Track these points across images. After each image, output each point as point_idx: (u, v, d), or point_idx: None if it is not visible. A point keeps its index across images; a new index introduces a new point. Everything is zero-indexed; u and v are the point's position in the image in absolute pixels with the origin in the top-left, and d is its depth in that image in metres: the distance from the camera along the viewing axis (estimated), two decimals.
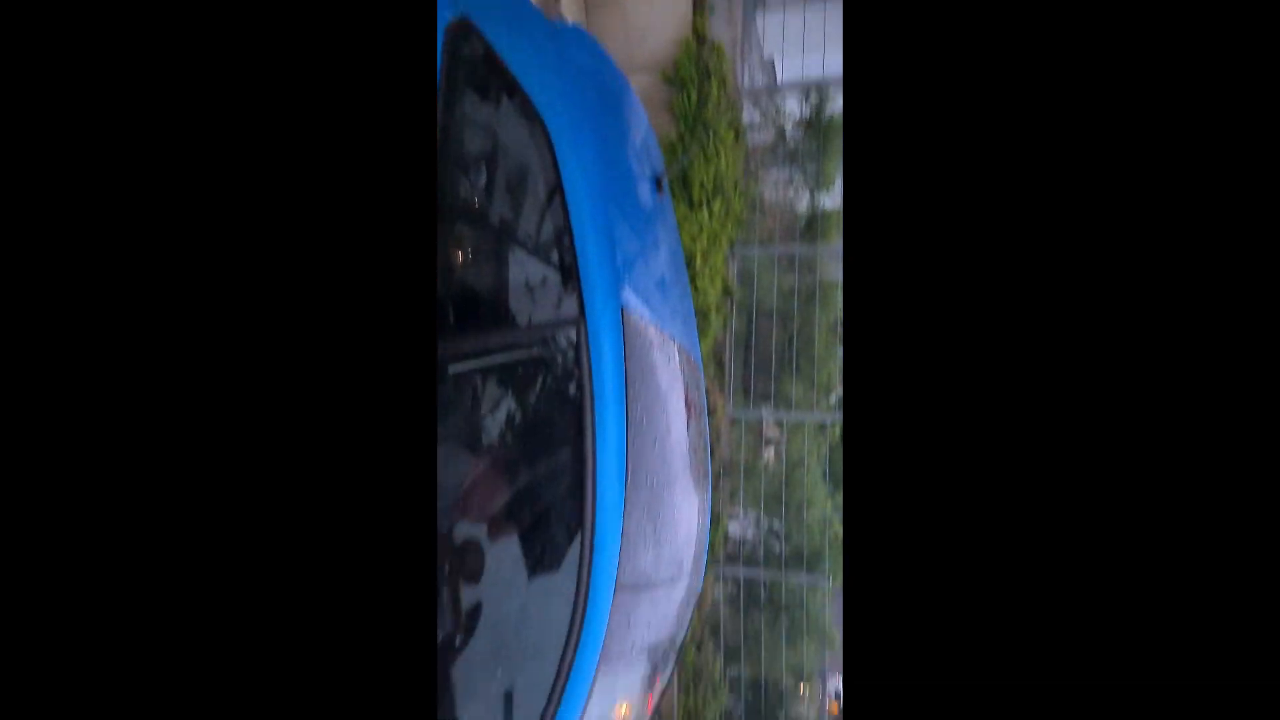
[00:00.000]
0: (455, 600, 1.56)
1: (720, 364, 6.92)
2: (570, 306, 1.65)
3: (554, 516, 1.65)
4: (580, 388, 1.60)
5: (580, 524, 1.56)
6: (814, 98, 6.30)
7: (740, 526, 7.31)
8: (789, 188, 6.77)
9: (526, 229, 1.84)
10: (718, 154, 5.87)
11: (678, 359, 2.13)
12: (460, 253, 1.66)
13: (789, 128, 6.54)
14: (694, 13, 5.93)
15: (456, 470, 1.63)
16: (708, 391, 2.88)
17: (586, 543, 1.53)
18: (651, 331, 1.92)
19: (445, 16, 1.52)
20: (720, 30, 6.12)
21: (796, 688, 7.44)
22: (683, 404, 2.09)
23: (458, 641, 1.55)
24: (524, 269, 1.80)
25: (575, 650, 1.47)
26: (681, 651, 2.55)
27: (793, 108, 6.49)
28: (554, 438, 1.68)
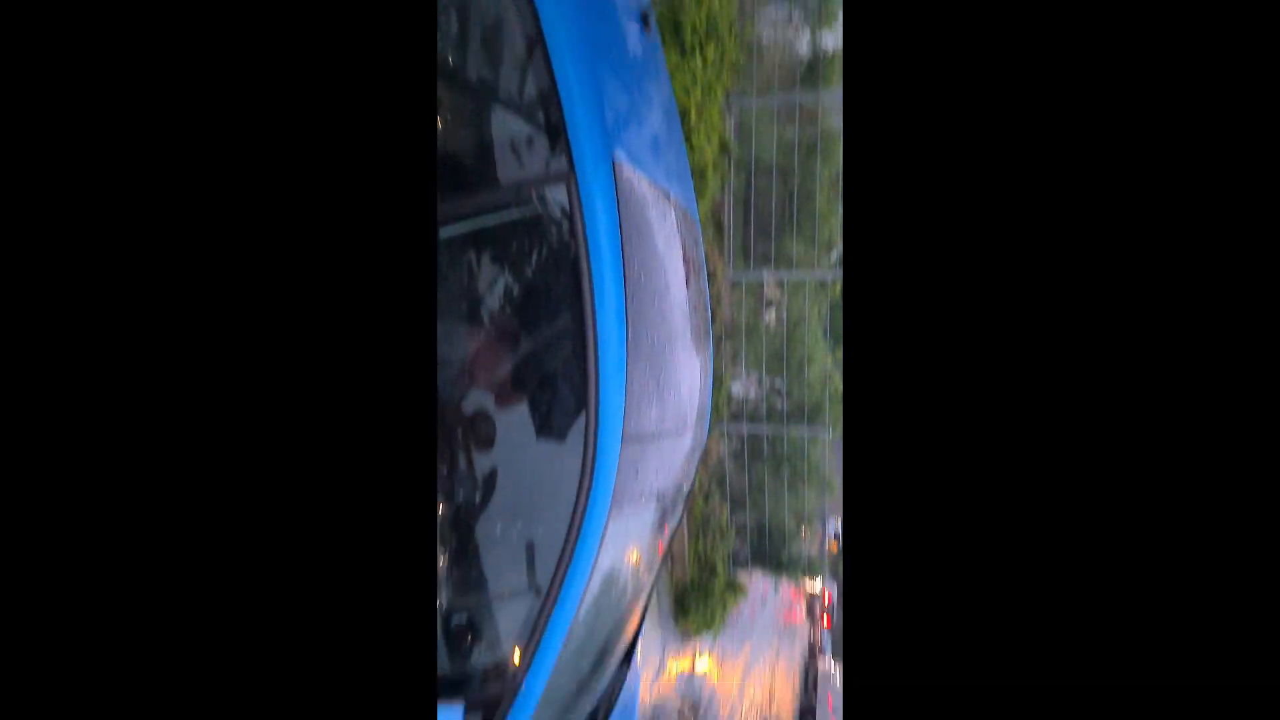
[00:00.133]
0: (471, 466, 1.63)
1: (719, 226, 6.77)
2: (559, 163, 1.58)
3: (558, 377, 1.68)
4: (575, 248, 1.56)
5: (584, 383, 1.59)
6: None
7: (743, 387, 7.52)
8: (788, 27, 6.25)
9: (507, 84, 1.72)
10: None
11: (674, 215, 2.06)
12: (438, 116, 1.56)
13: None
14: None
15: (457, 341, 1.64)
16: (707, 256, 2.84)
17: (591, 400, 1.57)
18: (645, 186, 1.85)
19: None
20: None
21: (798, 529, 8.02)
22: (681, 262, 2.06)
23: (478, 502, 1.64)
24: (507, 126, 1.70)
25: (586, 501, 1.55)
26: (689, 501, 2.70)
27: None
28: (552, 299, 1.67)
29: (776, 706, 13.07)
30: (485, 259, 1.69)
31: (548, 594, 1.50)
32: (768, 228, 6.75)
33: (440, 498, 1.56)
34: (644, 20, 2.07)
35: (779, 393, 7.10)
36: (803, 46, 6.28)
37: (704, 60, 5.44)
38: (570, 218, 1.58)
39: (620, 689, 2.16)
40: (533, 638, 1.49)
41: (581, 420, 1.59)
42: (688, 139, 5.38)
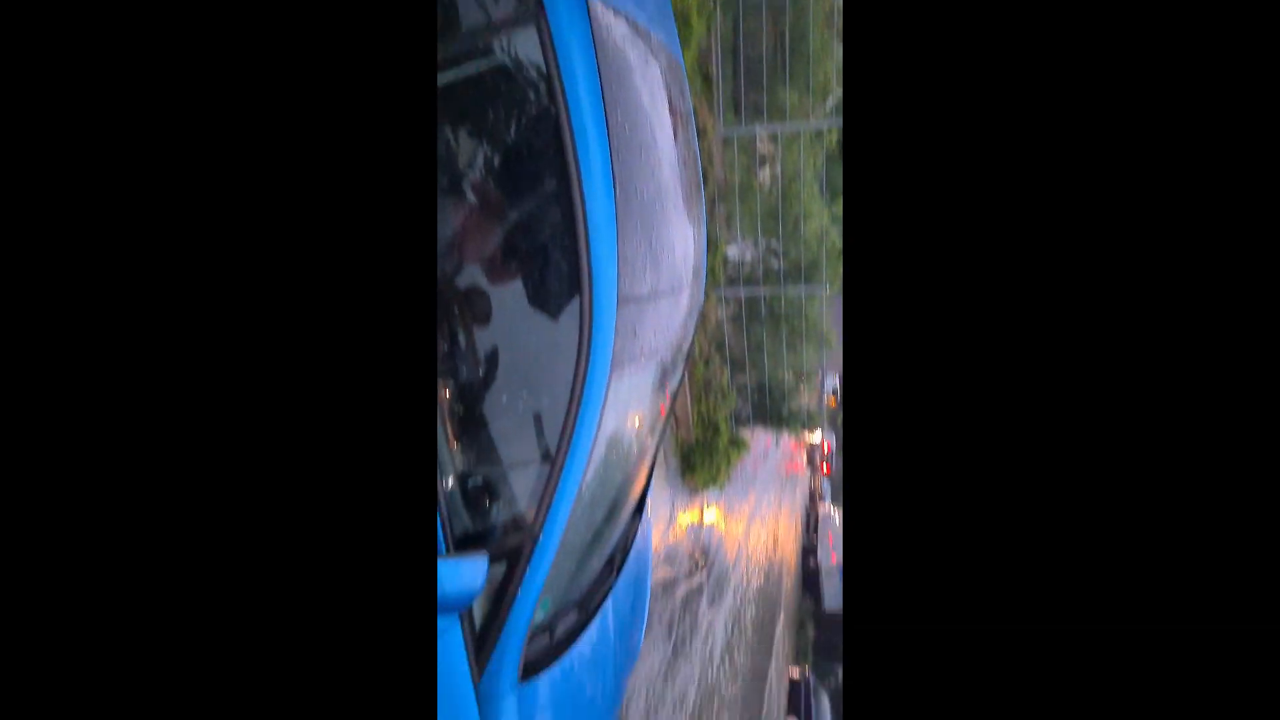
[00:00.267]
0: (471, 342, 1.63)
1: (707, 78, 6.34)
2: (526, 2, 1.43)
3: (549, 245, 1.63)
4: (552, 99, 1.46)
5: (575, 248, 1.55)
6: None
7: (739, 250, 7.41)
8: None
9: None
10: None
11: (658, 60, 1.91)
12: None
13: None
14: None
15: (441, 216, 1.57)
16: (696, 112, 2.66)
17: (584, 264, 1.54)
18: (625, 27, 1.69)
19: None
20: None
21: (797, 386, 8.25)
22: (668, 113, 1.94)
23: (481, 377, 1.66)
24: None
25: (587, 364, 1.56)
26: (689, 362, 2.74)
27: None
28: (533, 162, 1.59)
29: (781, 548, 14.14)
30: (458, 122, 1.59)
31: (557, 452, 1.56)
32: (758, 76, 6.33)
33: (443, 376, 1.57)
34: None
35: (775, 253, 7.02)
36: None
37: None
38: (544, 65, 1.46)
39: (634, 537, 2.31)
40: (545, 497, 1.56)
41: (576, 286, 1.57)
42: None
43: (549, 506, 1.56)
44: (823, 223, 6.69)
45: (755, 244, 7.00)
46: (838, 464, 22.52)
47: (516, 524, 1.55)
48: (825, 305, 7.14)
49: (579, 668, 1.83)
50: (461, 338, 1.63)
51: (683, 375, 2.42)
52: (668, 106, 1.96)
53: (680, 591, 6.45)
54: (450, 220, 1.61)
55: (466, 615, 1.48)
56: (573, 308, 1.58)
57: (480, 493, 1.55)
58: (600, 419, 1.61)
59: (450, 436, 1.56)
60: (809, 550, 18.58)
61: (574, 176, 1.53)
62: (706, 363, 7.10)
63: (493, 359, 1.66)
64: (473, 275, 1.65)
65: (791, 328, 7.08)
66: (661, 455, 6.51)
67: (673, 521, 6.91)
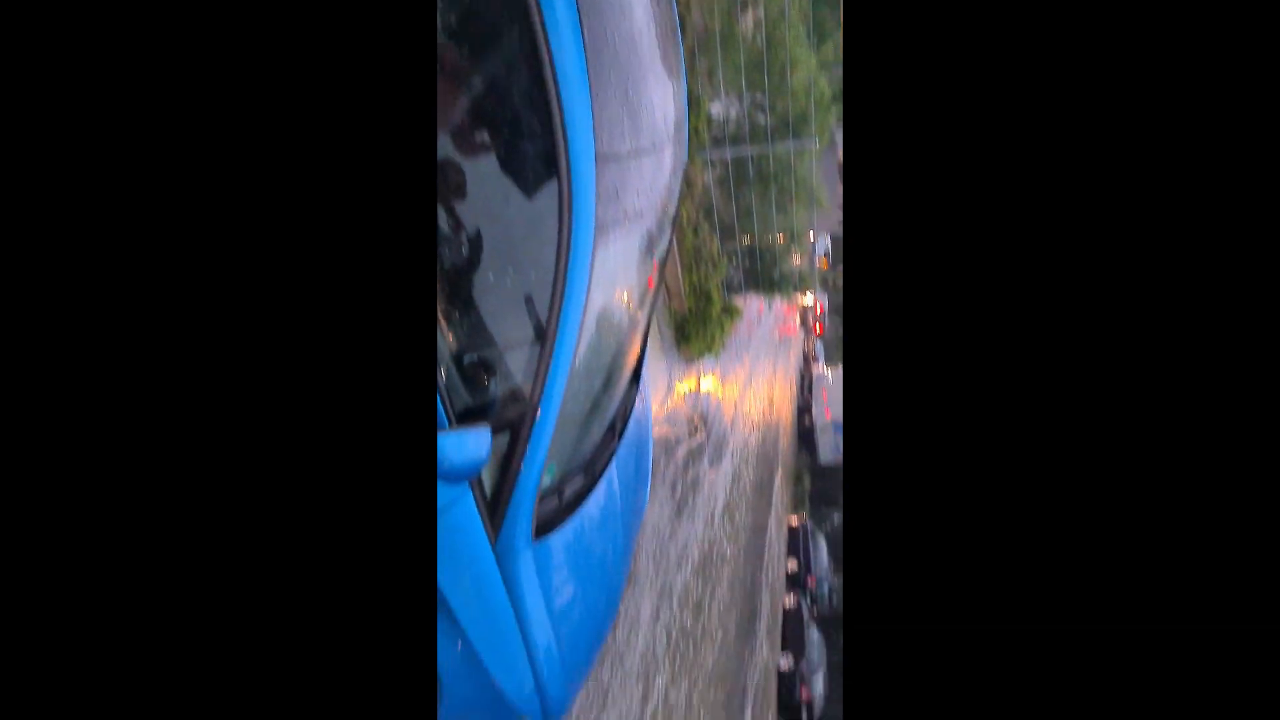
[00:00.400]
0: (455, 222, 1.57)
1: None
2: None
3: (519, 107, 1.53)
4: None
5: (547, 107, 1.46)
6: None
7: (722, 107, 7.02)
8: None
9: None
10: None
11: None
12: None
13: None
14: None
15: None
16: None
17: (558, 124, 1.45)
18: None
19: None
20: None
21: (788, 249, 8.16)
22: None
23: (466, 257, 1.62)
24: None
25: (570, 228, 1.52)
26: (676, 227, 2.67)
27: None
28: (492, 10, 1.45)
29: (777, 409, 14.67)
30: None
31: (548, 322, 1.56)
32: None
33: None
34: None
35: (761, 108, 6.66)
36: None
37: None
38: None
39: (633, 404, 2.37)
40: (540, 369, 1.57)
41: (551, 146, 1.49)
42: None
43: (545, 377, 1.58)
44: (810, 71, 6.29)
45: (740, 99, 6.62)
46: (830, 324, 22.83)
47: (514, 396, 1.58)
48: (815, 161, 6.88)
49: (589, 526, 1.95)
50: (444, 217, 1.57)
51: (670, 241, 2.37)
52: None
53: (680, 453, 6.76)
54: None
55: (477, 483, 1.54)
56: (550, 169, 1.51)
57: (476, 369, 1.57)
58: (588, 286, 1.59)
59: (441, 317, 1.55)
60: (804, 409, 19.29)
61: (539, 29, 1.40)
62: (695, 230, 6.96)
63: (477, 241, 1.61)
64: (443, 147, 1.56)
65: (781, 188, 6.88)
66: (655, 328, 6.57)
67: (670, 391, 7.10)
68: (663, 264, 2.32)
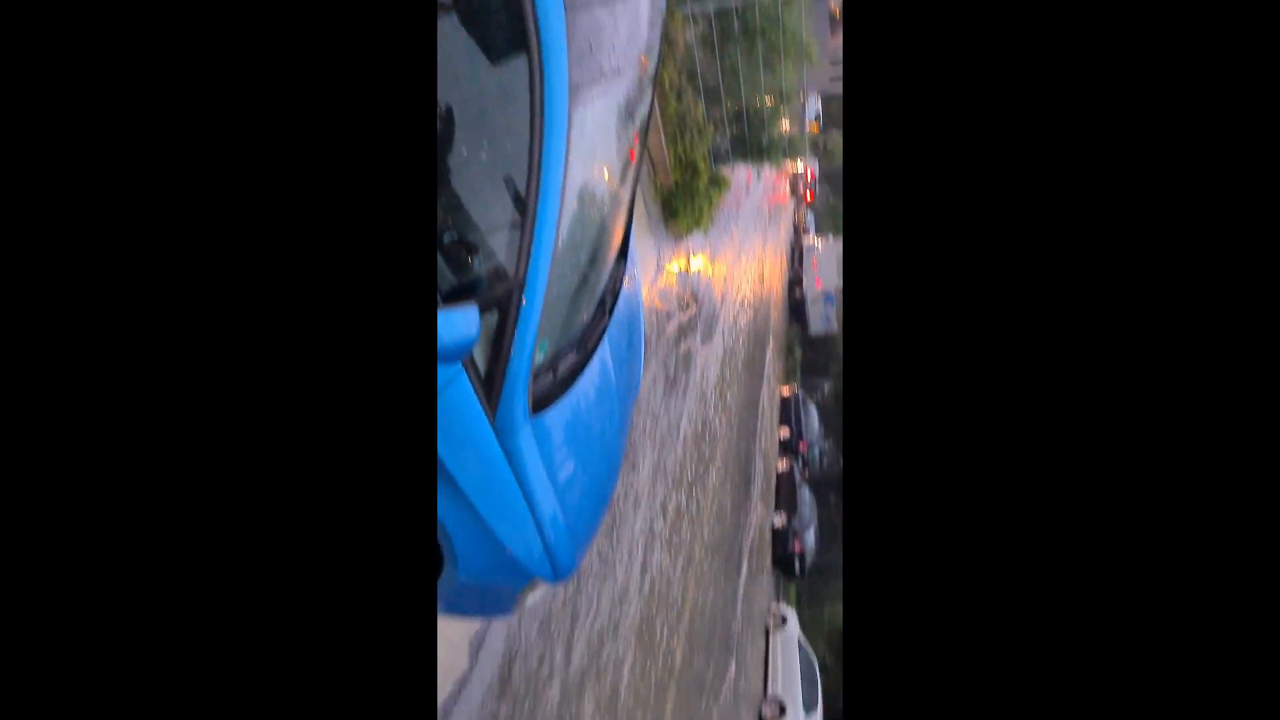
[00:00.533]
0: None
1: None
2: None
3: None
4: None
5: None
6: None
7: None
8: None
9: None
10: None
11: None
12: None
13: None
14: None
15: None
16: None
17: None
18: None
19: None
20: None
21: (777, 112, 7.75)
22: None
23: (439, 132, 1.51)
24: None
25: (542, 93, 1.42)
26: (656, 88, 2.51)
27: None
28: None
29: (768, 283, 14.63)
30: None
31: (528, 190, 1.50)
32: None
33: None
34: None
35: None
36: None
37: None
38: None
39: (621, 281, 2.34)
40: (523, 244, 1.53)
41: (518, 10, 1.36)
42: None
43: (528, 253, 1.54)
44: None
45: None
46: (821, 191, 22.26)
47: (499, 274, 1.55)
48: (804, 9, 6.37)
49: (585, 400, 1.98)
50: None
51: (652, 106, 2.23)
52: None
53: (672, 328, 6.81)
54: None
55: (470, 364, 1.55)
56: (516, 22, 1.38)
57: (458, 248, 1.52)
58: (566, 154, 1.51)
59: None
60: (795, 281, 19.27)
61: None
62: (679, 96, 6.57)
63: (449, 118, 1.51)
64: None
65: (769, 43, 6.41)
66: (642, 204, 6.37)
67: (660, 271, 7.02)
68: (644, 133, 2.20)
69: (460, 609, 2.08)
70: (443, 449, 1.56)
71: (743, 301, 11.22)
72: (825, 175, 22.30)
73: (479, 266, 1.54)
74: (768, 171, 13.04)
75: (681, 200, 7.10)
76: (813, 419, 15.37)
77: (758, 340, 12.37)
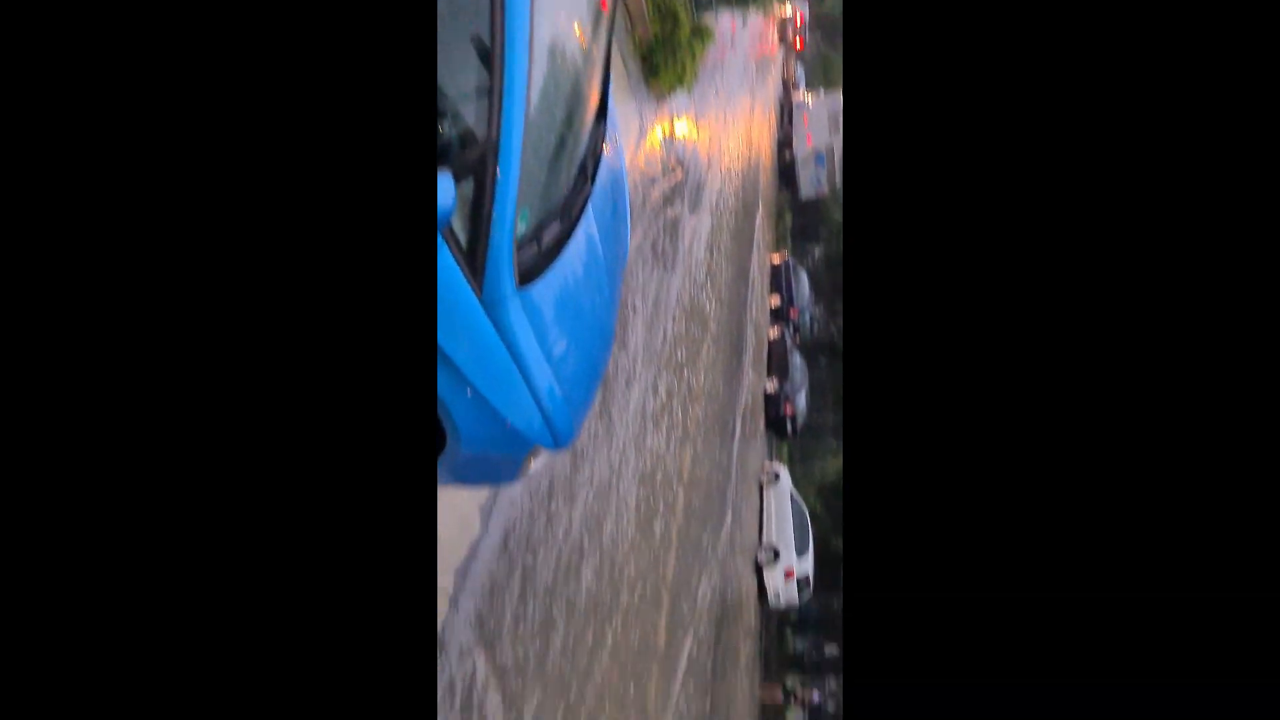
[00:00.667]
0: None
1: None
2: None
3: None
4: None
5: None
6: None
7: None
8: None
9: None
10: None
11: None
12: None
13: None
14: None
15: None
16: None
17: None
18: None
19: None
20: None
21: None
22: None
23: None
24: None
25: None
26: None
27: None
28: None
29: (756, 146, 14.04)
30: None
31: (492, 51, 1.38)
32: None
33: None
34: None
35: None
36: None
37: None
38: None
39: (601, 144, 2.22)
40: (493, 104, 1.43)
41: None
42: None
43: (500, 114, 1.45)
44: None
45: None
46: (810, 38, 20.80)
47: (470, 139, 1.46)
48: None
49: (572, 271, 1.95)
50: None
51: None
52: None
53: (657, 194, 6.61)
54: None
55: (451, 237, 1.50)
56: None
57: None
58: (532, 33, 1.39)
59: None
60: (784, 143, 18.49)
61: None
62: None
63: None
64: None
65: None
66: (620, 63, 5.95)
67: (644, 136, 6.69)
68: None
69: (467, 479, 2.17)
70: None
71: (730, 167, 10.83)
72: (816, 20, 20.71)
73: (448, 130, 1.45)
74: (754, 19, 12.08)
75: (662, 55, 6.62)
76: (803, 285, 15.37)
77: (746, 208, 12.07)
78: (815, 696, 13.02)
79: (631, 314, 5.20)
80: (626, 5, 6.21)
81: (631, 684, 4.50)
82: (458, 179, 1.42)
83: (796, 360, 13.41)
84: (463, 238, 1.53)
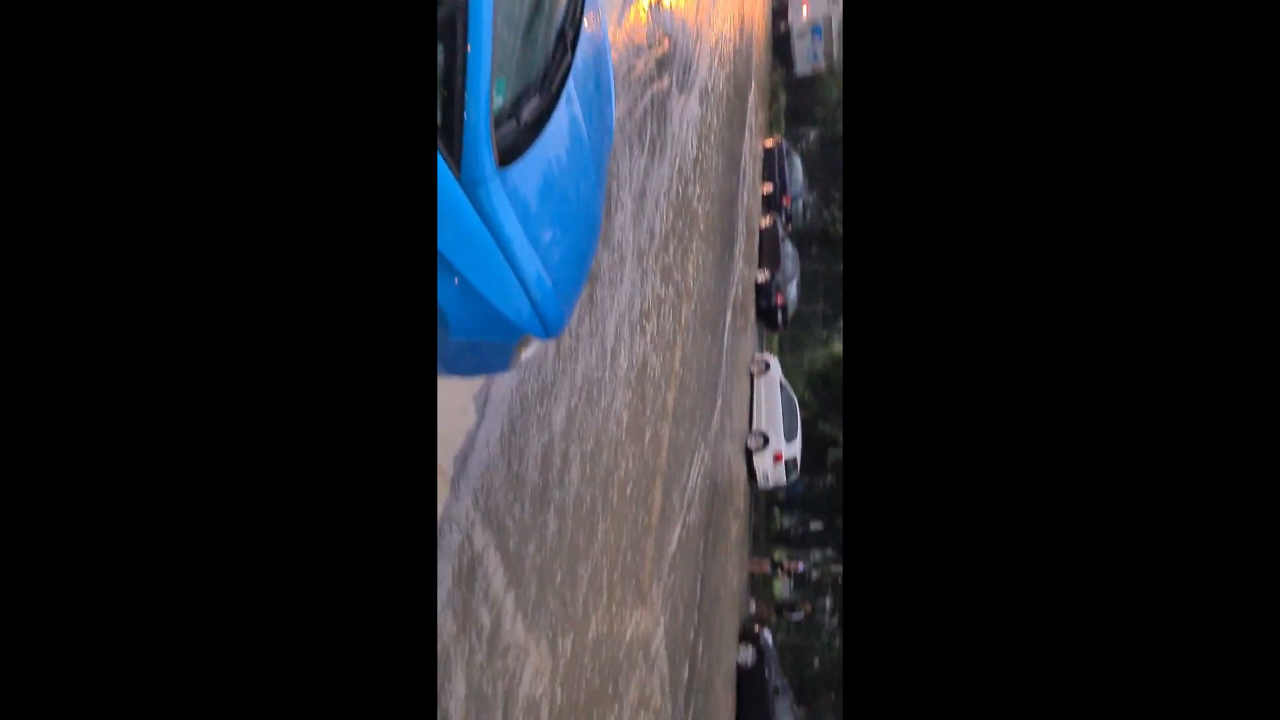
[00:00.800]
0: None
1: None
2: None
3: None
4: None
5: None
6: None
7: None
8: None
9: None
10: None
11: None
12: None
13: None
14: None
15: None
16: None
17: None
18: None
19: None
20: None
21: None
22: None
23: None
24: None
25: None
26: None
27: None
28: None
29: (749, 16, 13.11)
30: None
31: None
32: None
33: None
34: None
35: None
36: None
37: None
38: None
39: (581, 10, 2.05)
40: None
41: None
42: None
43: None
44: None
45: None
46: None
47: None
48: None
49: (555, 149, 1.86)
50: None
51: None
52: None
53: (642, 66, 6.24)
54: None
55: None
56: None
57: None
58: None
59: None
60: (779, 12, 17.28)
61: None
62: None
63: None
64: None
65: None
66: None
67: (628, 4, 6.20)
68: None
69: (459, 369, 2.18)
70: None
71: (720, 42, 10.16)
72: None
73: None
74: None
75: None
76: (796, 171, 14.90)
77: (738, 90, 11.45)
78: (800, 566, 13.95)
79: (620, 211, 5.05)
80: None
81: (630, 551, 4.79)
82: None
83: (788, 249, 13.26)
84: (439, 115, 1.44)
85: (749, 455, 10.62)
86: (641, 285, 5.51)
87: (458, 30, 1.36)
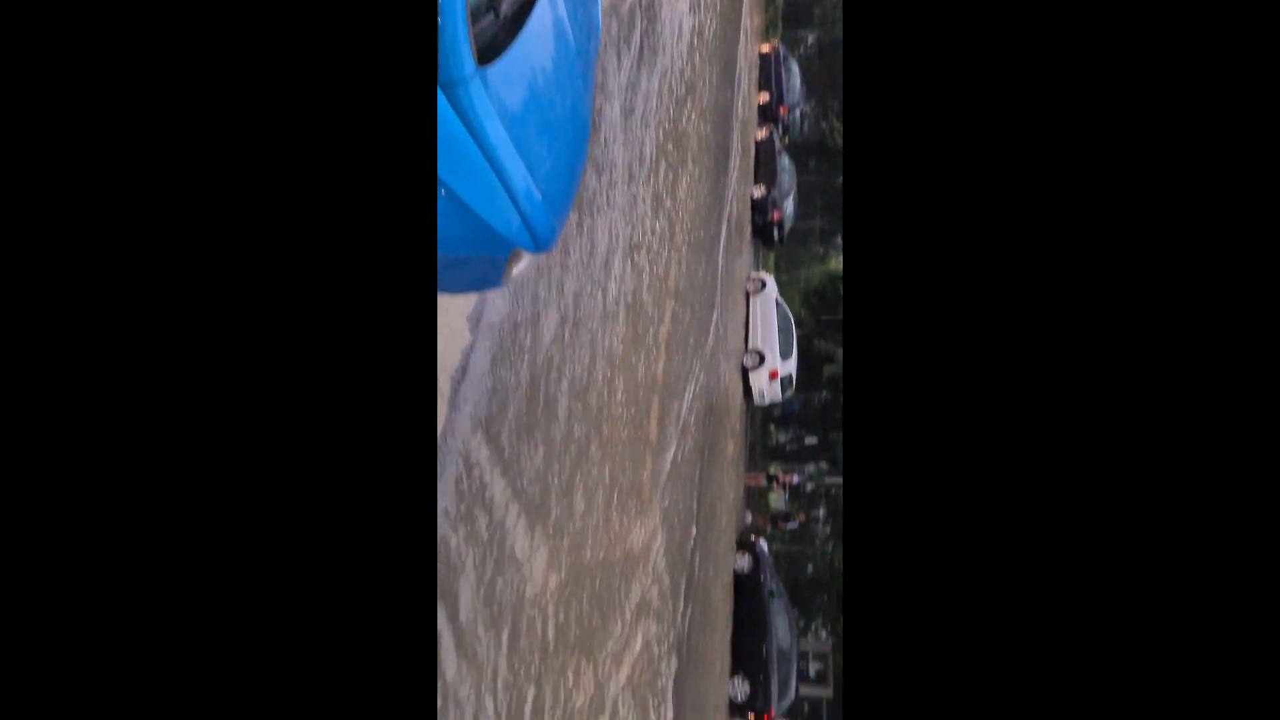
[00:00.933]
0: None
1: None
2: None
3: None
4: None
5: None
6: None
7: None
8: None
9: None
10: None
11: None
12: None
13: None
14: None
15: None
16: None
17: None
18: None
19: None
20: None
21: None
22: None
23: None
24: None
25: None
26: None
27: None
28: None
29: None
30: None
31: None
32: None
33: None
34: None
35: None
36: None
37: None
38: None
39: None
40: None
41: None
42: None
43: None
44: None
45: None
46: None
47: None
48: None
49: (538, 44, 1.75)
50: None
51: None
52: None
53: None
54: None
55: None
56: None
57: None
58: None
59: None
60: None
61: None
62: None
63: None
64: None
65: None
66: None
67: None
68: None
69: (450, 286, 2.14)
70: None
71: None
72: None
73: None
74: None
75: None
76: (794, 79, 14.26)
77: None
78: (794, 479, 14.36)
79: (610, 133, 4.84)
80: None
81: (629, 463, 4.91)
82: None
83: (784, 163, 12.89)
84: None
85: (745, 373, 10.72)
86: (634, 208, 5.37)
87: None
